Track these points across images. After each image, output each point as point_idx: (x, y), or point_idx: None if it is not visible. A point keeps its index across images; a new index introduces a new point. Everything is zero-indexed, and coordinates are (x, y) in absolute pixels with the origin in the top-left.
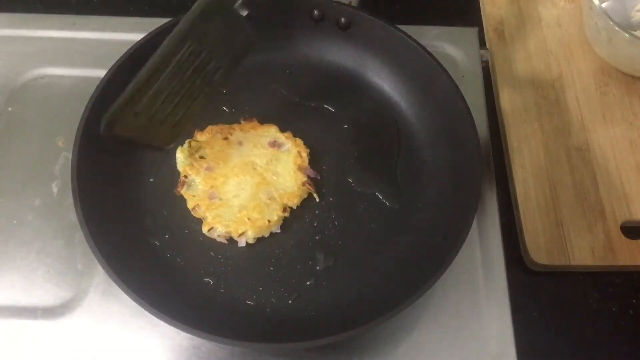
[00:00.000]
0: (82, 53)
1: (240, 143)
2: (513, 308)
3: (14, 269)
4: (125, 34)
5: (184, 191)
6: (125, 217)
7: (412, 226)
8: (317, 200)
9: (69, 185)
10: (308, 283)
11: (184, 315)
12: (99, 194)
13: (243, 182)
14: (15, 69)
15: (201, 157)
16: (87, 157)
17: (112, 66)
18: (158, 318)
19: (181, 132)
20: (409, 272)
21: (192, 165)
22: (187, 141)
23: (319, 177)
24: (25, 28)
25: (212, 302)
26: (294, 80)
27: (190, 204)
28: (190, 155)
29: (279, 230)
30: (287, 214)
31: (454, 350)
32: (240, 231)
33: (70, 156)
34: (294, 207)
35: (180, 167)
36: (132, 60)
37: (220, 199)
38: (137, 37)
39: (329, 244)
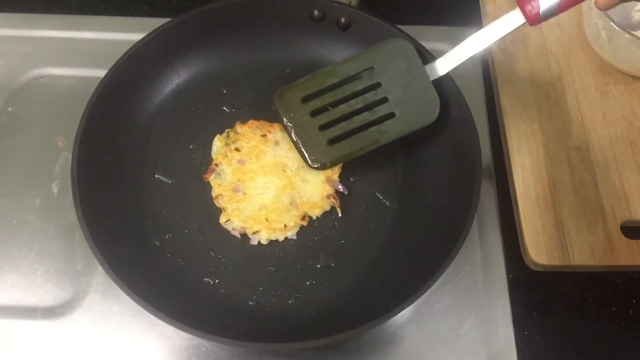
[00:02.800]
0: (82, 53)
1: (277, 143)
2: (513, 308)
3: (13, 269)
4: (125, 34)
5: (211, 178)
6: (125, 217)
7: (412, 226)
8: (340, 215)
9: (69, 185)
10: (308, 283)
11: (183, 315)
12: (98, 194)
13: (270, 182)
14: (15, 69)
15: (236, 149)
16: (87, 157)
17: (112, 66)
18: (158, 318)
19: (333, 160)
20: (409, 272)
21: (225, 155)
22: (226, 131)
23: (346, 193)
24: (25, 28)
25: (212, 302)
26: (294, 80)
27: (214, 192)
28: (226, 145)
29: (294, 237)
30: (305, 222)
31: (454, 350)
32: (255, 229)
33: (70, 156)
34: (314, 217)
35: (214, 154)
36: (132, 61)
37: (244, 194)
38: (137, 37)
39: (328, 244)
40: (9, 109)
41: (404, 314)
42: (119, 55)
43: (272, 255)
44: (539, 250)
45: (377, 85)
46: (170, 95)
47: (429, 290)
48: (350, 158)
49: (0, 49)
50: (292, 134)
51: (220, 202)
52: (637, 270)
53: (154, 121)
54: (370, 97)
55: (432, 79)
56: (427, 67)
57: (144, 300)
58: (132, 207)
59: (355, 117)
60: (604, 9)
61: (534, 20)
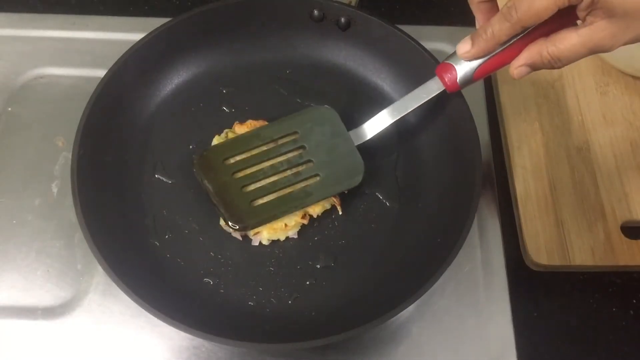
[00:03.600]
0: (82, 53)
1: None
2: (513, 308)
3: (13, 269)
4: (125, 34)
5: None
6: (125, 217)
7: (412, 226)
8: (340, 213)
9: (69, 185)
10: (308, 283)
11: (184, 316)
12: (98, 194)
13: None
14: (15, 69)
15: None
16: (87, 157)
17: (112, 66)
18: (158, 318)
19: (256, 222)
20: (409, 272)
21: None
22: (225, 131)
23: (346, 192)
24: (25, 28)
25: (212, 302)
26: (294, 80)
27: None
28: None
29: (295, 236)
30: (305, 221)
31: (454, 350)
32: (256, 230)
33: (70, 156)
34: (314, 216)
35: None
36: (132, 61)
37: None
38: (137, 37)
39: (329, 244)
40: (9, 108)
41: (404, 314)
42: (119, 55)
43: (272, 256)
44: (539, 250)
45: (302, 147)
46: (171, 95)
47: (429, 291)
48: (274, 219)
49: (0, 49)
50: (213, 196)
51: None
52: (637, 271)
53: (154, 121)
54: (294, 159)
55: (356, 143)
56: (352, 133)
57: (143, 300)
58: (132, 207)
59: (279, 178)
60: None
61: (452, 87)
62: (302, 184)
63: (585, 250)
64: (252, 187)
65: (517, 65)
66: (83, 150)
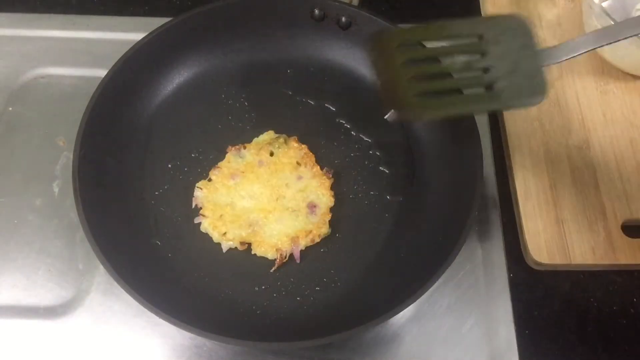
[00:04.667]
0: (82, 53)
1: (300, 178)
2: (514, 307)
3: (15, 268)
4: (125, 33)
5: (231, 152)
6: (126, 216)
7: (413, 225)
8: (273, 269)
9: (70, 185)
10: (308, 283)
11: (185, 315)
12: (100, 194)
13: (259, 194)
14: (15, 69)
15: (271, 153)
16: (88, 157)
17: (113, 66)
18: (159, 317)
19: (422, 114)
20: (410, 272)
21: (260, 148)
22: (283, 136)
23: (298, 261)
24: (25, 28)
25: (213, 302)
26: (295, 79)
27: (222, 163)
28: (270, 143)
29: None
30: (241, 247)
31: (455, 350)
32: (222, 231)
33: (71, 156)
34: (251, 252)
35: (258, 140)
36: (133, 60)
37: (235, 184)
38: (137, 37)
39: (329, 244)
40: (10, 108)
41: (405, 313)
42: (120, 55)
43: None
44: (539, 249)
45: (483, 53)
46: (171, 94)
47: (430, 290)
48: (431, 117)
49: (0, 49)
50: (379, 77)
51: (212, 174)
52: (638, 269)
53: (155, 120)
54: (472, 62)
55: (545, 63)
56: (541, 52)
57: (145, 299)
58: (133, 206)
59: (450, 79)
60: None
61: None
62: (471, 89)
63: (585, 249)
64: (420, 82)
65: None
66: (84, 150)
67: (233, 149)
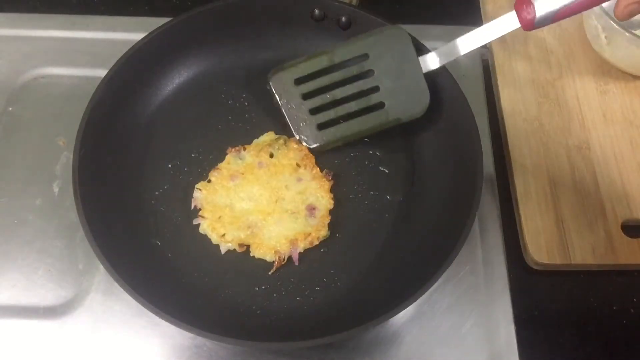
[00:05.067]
0: (82, 53)
1: (300, 179)
2: (514, 307)
3: (15, 268)
4: (125, 33)
5: (231, 154)
6: (127, 216)
7: (413, 225)
8: (271, 272)
9: (70, 185)
10: (308, 283)
11: (185, 315)
12: (100, 194)
13: (259, 196)
14: (15, 69)
15: (270, 154)
16: (88, 157)
17: (113, 66)
18: (159, 317)
19: (321, 145)
20: (410, 272)
21: (260, 150)
22: (283, 137)
23: (296, 264)
24: (25, 28)
25: (213, 302)
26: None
27: (221, 165)
28: (270, 144)
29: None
30: (240, 249)
31: (455, 349)
32: (217, 229)
33: (71, 156)
34: (250, 253)
35: (257, 142)
36: (133, 60)
37: (234, 185)
38: (137, 37)
39: (329, 244)
40: (10, 108)
41: (405, 313)
42: (120, 55)
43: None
44: (539, 249)
45: (370, 73)
46: (171, 94)
47: (430, 290)
48: (336, 145)
49: (0, 49)
50: (286, 114)
51: (212, 175)
52: (638, 269)
53: (155, 120)
54: (361, 84)
55: (424, 71)
56: (421, 59)
57: (145, 299)
58: (133, 206)
59: (345, 105)
60: (623, 18)
61: (528, 25)
62: (367, 113)
63: (585, 249)
64: (319, 112)
65: (629, 3)
66: (84, 150)
67: (233, 150)
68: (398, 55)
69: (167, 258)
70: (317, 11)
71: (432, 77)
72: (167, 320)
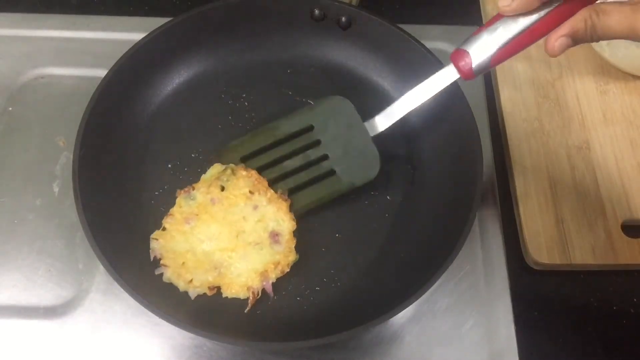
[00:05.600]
0: (83, 53)
1: (256, 207)
2: (514, 307)
3: (14, 268)
4: (125, 33)
5: (182, 196)
6: (127, 216)
7: (413, 225)
8: (247, 310)
9: (70, 185)
10: (309, 283)
11: (185, 315)
12: (100, 194)
13: (218, 235)
14: (15, 69)
15: (221, 187)
16: (88, 157)
17: (113, 66)
18: (159, 317)
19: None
20: (410, 272)
21: (210, 185)
22: (230, 165)
23: (272, 295)
24: (25, 28)
25: (213, 302)
26: (295, 79)
27: (173, 209)
28: (218, 177)
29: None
30: (209, 292)
31: (455, 349)
32: (162, 262)
33: (71, 156)
34: (222, 295)
35: (204, 178)
36: (133, 60)
37: (191, 229)
38: (137, 37)
39: (328, 244)
40: (10, 108)
41: (405, 313)
42: (120, 55)
43: None
44: (539, 249)
45: (317, 142)
46: (172, 94)
47: (430, 290)
48: (295, 214)
49: (0, 49)
50: None
51: (165, 222)
52: (638, 269)
53: (155, 120)
54: (310, 154)
55: (372, 135)
56: (367, 124)
57: (145, 299)
58: (133, 206)
59: (296, 176)
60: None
61: (467, 75)
62: (319, 181)
63: (585, 249)
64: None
65: (558, 36)
66: (84, 150)
67: (182, 192)
68: (343, 123)
69: None
70: (317, 11)
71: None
72: (167, 320)
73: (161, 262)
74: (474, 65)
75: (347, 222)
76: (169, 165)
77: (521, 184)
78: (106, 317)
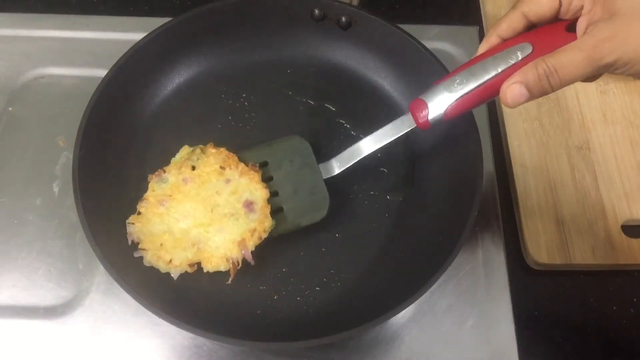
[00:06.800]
0: (82, 53)
1: (228, 181)
2: (514, 307)
3: (15, 268)
4: (125, 33)
5: (153, 181)
6: (127, 216)
7: (413, 226)
8: (229, 281)
9: (70, 185)
10: (308, 283)
11: (185, 315)
12: (100, 194)
13: (192, 212)
14: (15, 69)
15: (192, 167)
16: (88, 157)
17: (113, 66)
18: (159, 317)
19: None
20: (410, 272)
21: (180, 166)
22: (198, 146)
23: (252, 263)
24: (25, 28)
25: (213, 302)
26: (295, 79)
27: (146, 194)
28: (189, 158)
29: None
30: (190, 270)
31: (455, 349)
32: (141, 246)
33: (71, 156)
34: (204, 270)
35: (174, 161)
36: (133, 60)
37: (166, 210)
38: (137, 37)
39: (328, 245)
40: (10, 109)
41: (405, 313)
42: (120, 55)
43: (272, 256)
44: (539, 249)
45: (269, 179)
46: (171, 94)
47: (430, 290)
48: None
49: (0, 49)
50: None
51: (140, 206)
52: (638, 269)
53: (155, 121)
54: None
55: (325, 177)
56: (321, 166)
57: (145, 299)
58: (133, 206)
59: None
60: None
61: (423, 125)
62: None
63: (585, 249)
64: None
65: (510, 84)
66: (84, 150)
67: (154, 176)
68: (298, 163)
69: None
70: (317, 11)
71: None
72: (167, 320)
73: (139, 246)
74: (430, 117)
75: (347, 222)
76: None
77: (521, 184)
78: (106, 317)
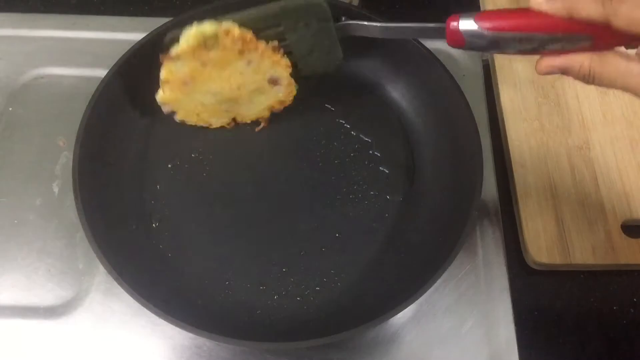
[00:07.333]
0: (83, 53)
1: (249, 62)
2: (514, 307)
3: (14, 268)
4: (125, 33)
5: (167, 61)
6: (127, 216)
7: (413, 225)
8: (262, 125)
9: (70, 185)
10: (308, 283)
11: (185, 315)
12: (100, 194)
13: (218, 92)
14: (16, 69)
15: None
16: (88, 157)
17: (113, 66)
18: (159, 317)
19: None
20: (410, 272)
21: (194, 49)
22: (214, 29)
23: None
24: (25, 28)
25: (214, 302)
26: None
27: (163, 74)
28: (201, 45)
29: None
30: (229, 126)
31: (455, 349)
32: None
33: (71, 156)
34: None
35: (190, 34)
36: (133, 60)
37: (192, 88)
38: (137, 37)
39: (328, 245)
40: (10, 109)
41: (404, 314)
42: (120, 55)
43: (272, 256)
44: (539, 249)
45: (281, 39)
46: None
47: (430, 290)
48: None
49: (0, 49)
50: None
51: (165, 90)
52: (638, 269)
53: (155, 120)
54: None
55: (340, 37)
56: (337, 26)
57: (145, 299)
58: (133, 206)
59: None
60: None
61: (453, 35)
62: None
63: (585, 249)
64: None
65: (550, 65)
66: (84, 150)
67: (166, 58)
68: (312, 29)
69: (167, 258)
70: None
71: (432, 77)
72: (167, 320)
73: (177, 117)
74: (461, 28)
75: (347, 222)
76: (169, 165)
77: (521, 184)
78: (106, 317)
